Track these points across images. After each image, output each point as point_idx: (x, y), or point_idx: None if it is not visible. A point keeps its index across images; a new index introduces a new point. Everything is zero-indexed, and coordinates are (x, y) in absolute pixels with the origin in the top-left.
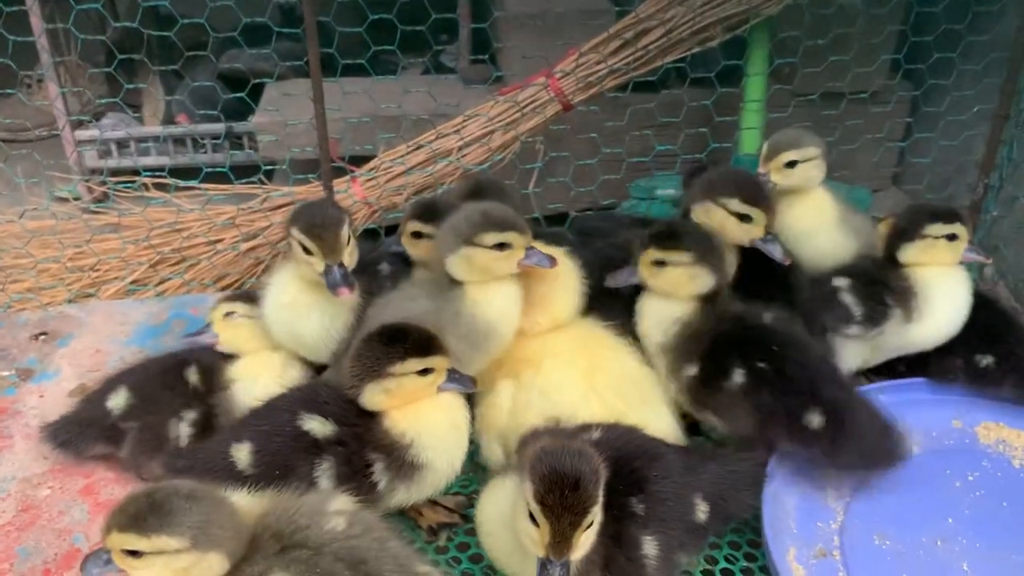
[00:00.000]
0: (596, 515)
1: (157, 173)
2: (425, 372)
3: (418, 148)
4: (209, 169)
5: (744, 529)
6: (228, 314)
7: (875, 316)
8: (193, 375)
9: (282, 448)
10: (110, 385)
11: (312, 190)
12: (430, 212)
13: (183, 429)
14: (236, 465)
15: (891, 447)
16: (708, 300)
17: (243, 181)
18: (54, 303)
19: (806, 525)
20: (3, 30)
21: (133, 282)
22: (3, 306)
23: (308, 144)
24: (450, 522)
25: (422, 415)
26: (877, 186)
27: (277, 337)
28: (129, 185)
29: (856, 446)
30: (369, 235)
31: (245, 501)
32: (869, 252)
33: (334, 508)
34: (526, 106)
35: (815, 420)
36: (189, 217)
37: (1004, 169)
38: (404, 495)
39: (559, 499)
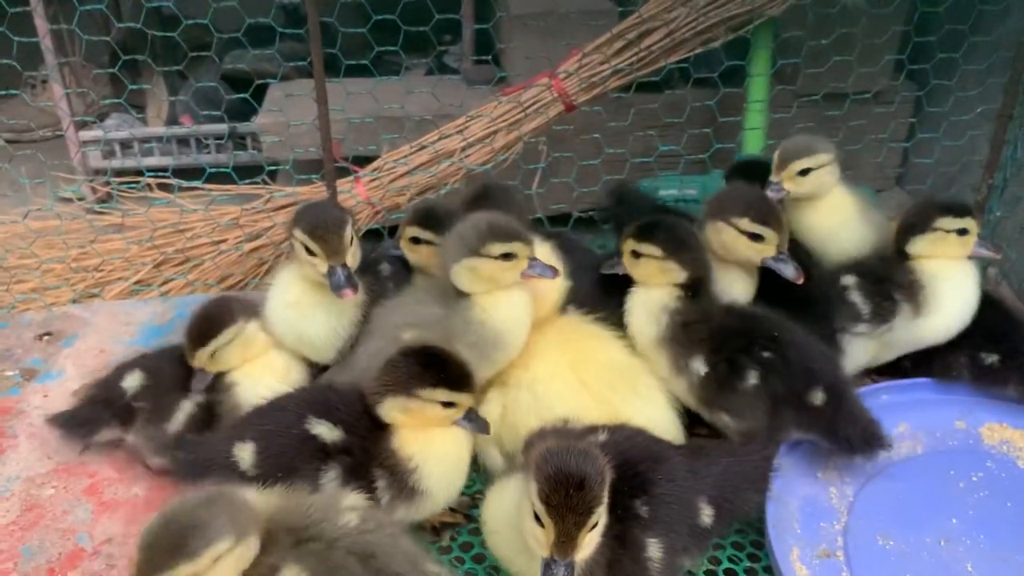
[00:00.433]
0: (601, 516)
1: (161, 174)
2: (448, 405)
3: (421, 149)
4: (213, 170)
5: (747, 529)
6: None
7: (883, 313)
8: (197, 396)
9: (286, 450)
10: (125, 367)
11: (315, 191)
12: (429, 218)
13: (186, 407)
14: (238, 465)
15: (878, 431)
16: (690, 290)
17: (247, 182)
18: (58, 303)
19: (809, 525)
20: (7, 31)
21: (137, 282)
22: (7, 306)
23: (311, 145)
24: (453, 522)
25: (432, 443)
26: (881, 186)
27: (282, 338)
28: (133, 186)
29: (852, 421)
30: (372, 235)
31: (252, 495)
32: (885, 247)
33: (347, 504)
34: (529, 107)
35: (818, 397)
36: (193, 218)
37: (1008, 169)
38: (403, 513)
39: (564, 499)
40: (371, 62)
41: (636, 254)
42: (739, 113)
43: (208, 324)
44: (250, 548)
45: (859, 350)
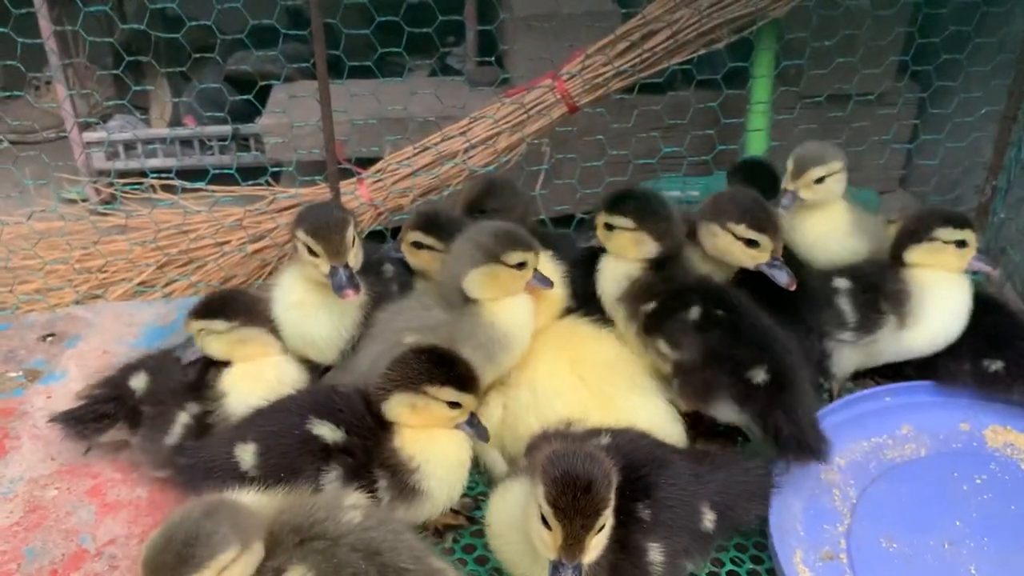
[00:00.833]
0: (608, 519)
1: (164, 175)
2: (454, 405)
3: (424, 150)
4: (216, 171)
5: (750, 531)
6: (200, 331)
7: (868, 324)
8: (193, 407)
9: (288, 450)
10: (131, 368)
11: (318, 192)
12: (432, 224)
13: (182, 419)
14: (239, 466)
15: (815, 442)
16: (658, 265)
17: (250, 183)
18: (62, 304)
19: (812, 527)
20: (11, 32)
21: (140, 283)
22: (11, 307)
23: (315, 146)
24: (456, 524)
25: (433, 444)
26: (884, 188)
27: (286, 338)
28: (136, 187)
29: (789, 419)
30: (375, 237)
31: (253, 499)
32: (879, 254)
33: (349, 503)
34: (532, 108)
35: (759, 375)
36: (196, 219)
37: (1012, 171)
38: (403, 514)
39: (571, 502)
40: (374, 63)
41: (609, 226)
42: (742, 115)
43: (212, 305)
44: (255, 555)
45: (845, 356)
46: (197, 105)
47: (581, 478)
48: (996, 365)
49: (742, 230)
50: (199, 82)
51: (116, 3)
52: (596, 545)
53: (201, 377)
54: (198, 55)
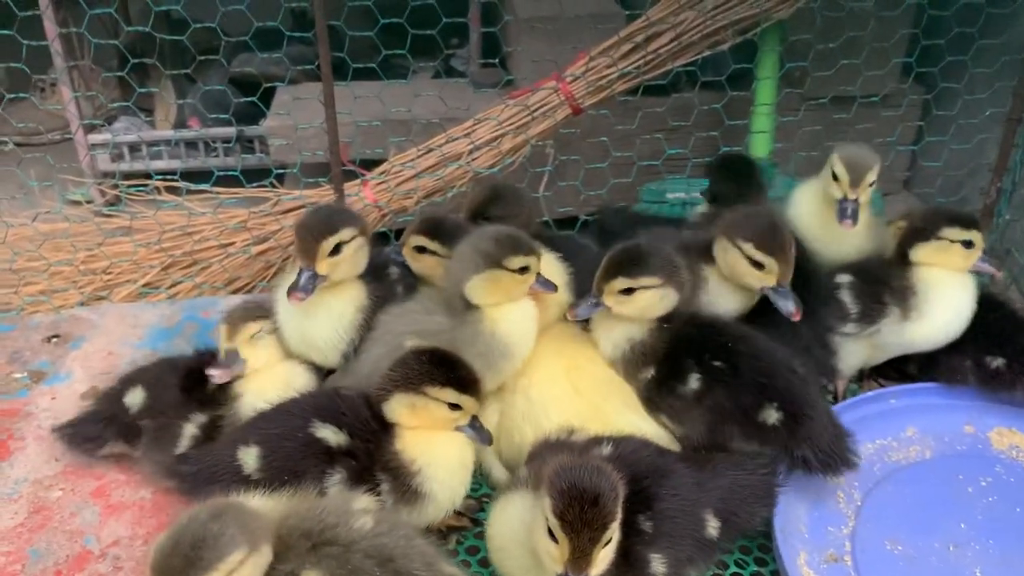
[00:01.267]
0: (615, 531)
1: (169, 176)
2: (454, 407)
3: (428, 152)
4: (220, 172)
5: (754, 534)
6: (254, 335)
7: (871, 313)
8: (199, 417)
9: (292, 453)
10: (127, 382)
11: (323, 194)
12: (436, 229)
13: (188, 431)
14: (242, 469)
15: (842, 452)
16: (666, 318)
17: (254, 184)
18: (66, 306)
19: (817, 530)
20: (17, 34)
21: (145, 285)
22: (16, 308)
23: (319, 148)
24: (460, 526)
25: (434, 447)
26: (888, 190)
27: (289, 340)
28: (141, 188)
29: (811, 444)
30: (379, 238)
31: (258, 502)
32: (883, 252)
33: (359, 507)
34: (536, 110)
35: (772, 416)
36: (200, 220)
37: (1017, 172)
38: (406, 518)
39: (579, 514)
40: (379, 65)
41: (628, 290)
42: (746, 116)
43: (261, 309)
44: (263, 557)
45: (850, 351)
46: (202, 107)
47: (588, 491)
48: (998, 362)
49: (750, 249)
50: (203, 84)
51: (121, 5)
52: (603, 559)
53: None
54: (203, 57)
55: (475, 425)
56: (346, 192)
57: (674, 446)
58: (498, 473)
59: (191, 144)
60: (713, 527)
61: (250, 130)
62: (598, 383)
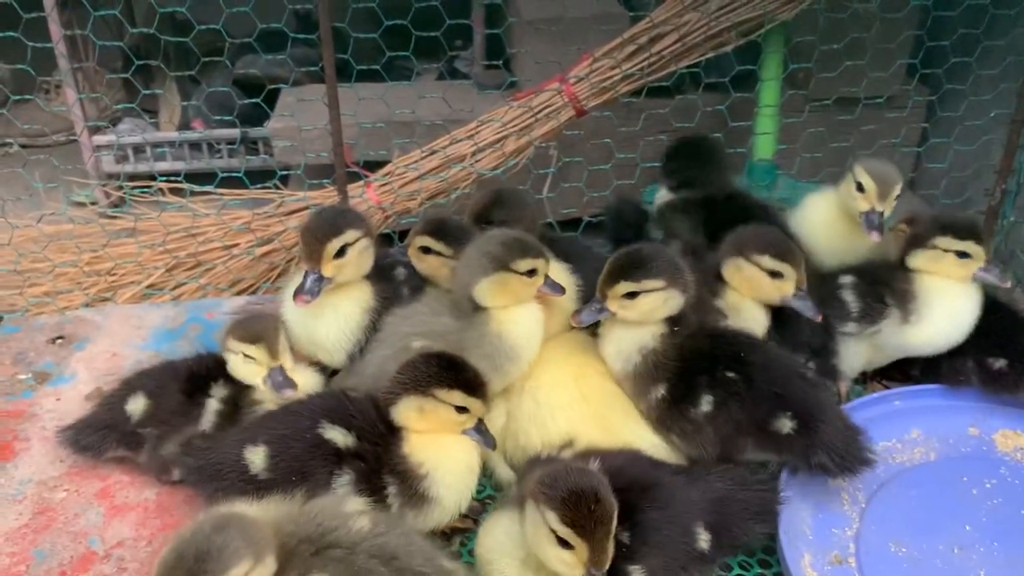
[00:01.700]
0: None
1: (173, 178)
2: (462, 410)
3: (432, 153)
4: (224, 174)
5: None
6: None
7: (872, 313)
8: (220, 390)
9: (300, 454)
10: (129, 388)
11: (326, 195)
12: (441, 230)
13: (212, 406)
14: (249, 469)
15: (858, 452)
16: (673, 321)
17: (258, 186)
18: (71, 307)
19: (821, 531)
20: (22, 36)
21: (149, 286)
22: (21, 310)
23: (323, 149)
24: (463, 527)
25: (442, 450)
26: None
27: (294, 340)
28: (145, 190)
29: (827, 448)
30: (383, 240)
31: (253, 510)
32: (887, 255)
33: (353, 509)
34: (540, 111)
35: (786, 425)
36: (205, 222)
37: (1022, 174)
38: (412, 521)
39: (588, 515)
40: (383, 67)
41: (633, 294)
42: (750, 118)
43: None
44: (268, 568)
45: (851, 351)
46: (206, 108)
47: (587, 491)
48: (1000, 363)
49: (766, 261)
50: (208, 86)
51: (125, 7)
52: (611, 547)
53: (234, 395)
54: (207, 59)
55: (480, 429)
56: (350, 194)
57: (673, 457)
58: (503, 472)
59: (195, 146)
60: (704, 540)
61: (254, 132)
62: (605, 392)
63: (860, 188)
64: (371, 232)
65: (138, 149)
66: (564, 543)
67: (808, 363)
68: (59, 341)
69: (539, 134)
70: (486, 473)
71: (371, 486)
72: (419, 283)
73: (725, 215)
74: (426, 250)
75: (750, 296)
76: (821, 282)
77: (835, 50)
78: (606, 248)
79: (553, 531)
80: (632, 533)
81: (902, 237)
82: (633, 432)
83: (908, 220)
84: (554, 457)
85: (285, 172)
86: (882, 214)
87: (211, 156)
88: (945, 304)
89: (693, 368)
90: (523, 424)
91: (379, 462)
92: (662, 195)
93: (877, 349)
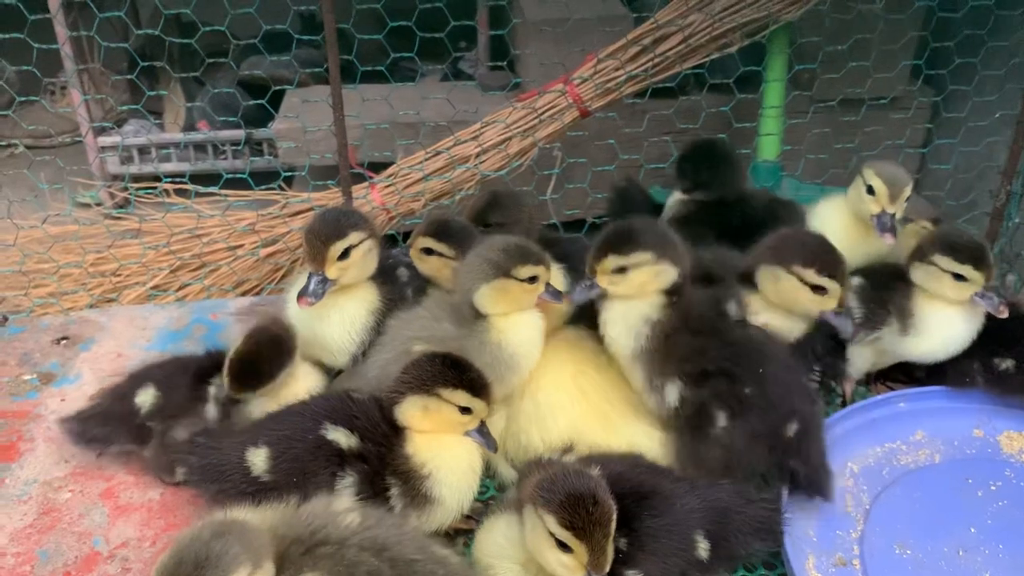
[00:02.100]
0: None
1: (178, 179)
2: (465, 411)
3: (436, 154)
4: (229, 175)
5: None
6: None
7: (873, 320)
8: (216, 383)
9: (302, 455)
10: (137, 381)
11: (331, 196)
12: (443, 231)
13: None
14: (251, 470)
15: (823, 480)
16: (672, 294)
17: (263, 187)
18: (76, 308)
19: (825, 533)
20: (27, 38)
21: (154, 287)
22: (26, 310)
23: (327, 150)
24: (467, 528)
25: (445, 451)
26: None
27: (301, 342)
28: (150, 191)
29: (803, 460)
30: (387, 241)
31: (250, 515)
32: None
33: (342, 507)
34: (544, 112)
35: (792, 429)
36: (209, 223)
37: None
38: (416, 522)
39: (586, 518)
40: (387, 68)
41: (621, 269)
42: (755, 119)
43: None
44: (267, 573)
45: (856, 353)
46: (211, 110)
47: (585, 493)
48: (1006, 364)
49: (811, 275)
50: (213, 87)
51: (131, 9)
52: (611, 549)
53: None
54: (212, 60)
55: (483, 431)
56: (354, 195)
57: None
58: (505, 472)
59: (200, 147)
60: (704, 549)
61: (259, 133)
62: (605, 389)
63: (870, 191)
64: (375, 234)
65: (143, 150)
66: (564, 546)
67: (816, 365)
68: (64, 342)
69: (543, 135)
70: (489, 474)
71: (374, 487)
72: (422, 284)
73: (743, 217)
74: (428, 251)
75: (780, 306)
76: None
77: (840, 51)
78: None
79: (552, 535)
80: (630, 539)
81: (923, 235)
82: (634, 427)
83: (934, 220)
84: (553, 461)
85: (289, 173)
86: (893, 216)
87: (216, 157)
88: (941, 325)
89: (710, 400)
90: (524, 424)
91: (382, 463)
92: (675, 198)
93: (881, 352)
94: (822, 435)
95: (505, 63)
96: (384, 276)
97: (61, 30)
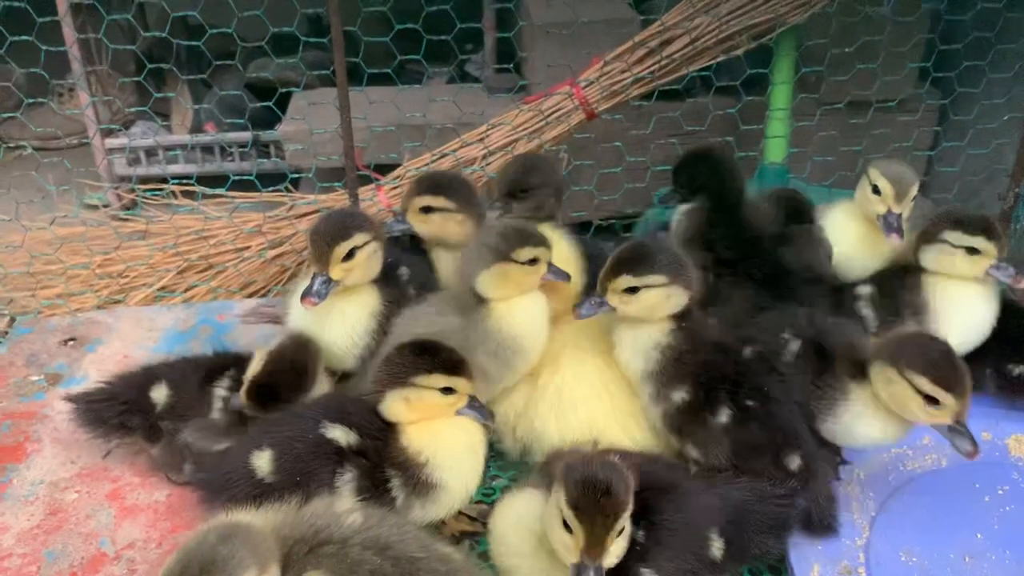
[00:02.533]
0: (627, 523)
1: (185, 181)
2: (448, 391)
3: (442, 156)
4: (236, 177)
5: None
6: None
7: (888, 327)
8: (221, 389)
9: (303, 455)
10: (151, 376)
11: (337, 198)
12: (435, 184)
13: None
14: (256, 473)
15: (830, 516)
16: (681, 317)
17: (270, 189)
18: (83, 309)
19: (831, 541)
20: (36, 40)
21: (161, 288)
22: (33, 311)
23: (334, 152)
24: (473, 531)
25: (439, 435)
26: None
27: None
28: (157, 192)
29: (815, 504)
30: (392, 242)
31: (255, 518)
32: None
33: (344, 507)
34: (550, 115)
35: (794, 462)
36: (216, 224)
37: None
38: (420, 512)
39: (592, 503)
40: (393, 71)
41: (632, 289)
42: (761, 121)
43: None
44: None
45: None
46: (218, 112)
47: (601, 481)
48: (1020, 369)
49: (925, 384)
50: (220, 89)
51: (138, 11)
52: (616, 550)
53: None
54: (219, 62)
55: (474, 405)
56: (361, 197)
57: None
58: (510, 446)
59: (207, 149)
60: (718, 548)
61: (266, 135)
62: (629, 388)
63: (876, 191)
64: (380, 236)
65: (150, 152)
66: (568, 527)
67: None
68: (71, 343)
69: (549, 138)
70: (491, 476)
71: (374, 481)
72: (424, 281)
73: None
74: (427, 209)
75: (890, 407)
76: (837, 292)
77: (847, 53)
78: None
79: (560, 511)
80: (648, 532)
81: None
82: (649, 433)
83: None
84: (575, 451)
85: (296, 175)
86: (900, 215)
87: (223, 159)
88: (959, 312)
89: (715, 389)
90: (543, 413)
91: (380, 457)
92: (680, 211)
93: None
94: (827, 477)
95: (511, 65)
96: (385, 278)
97: (69, 32)
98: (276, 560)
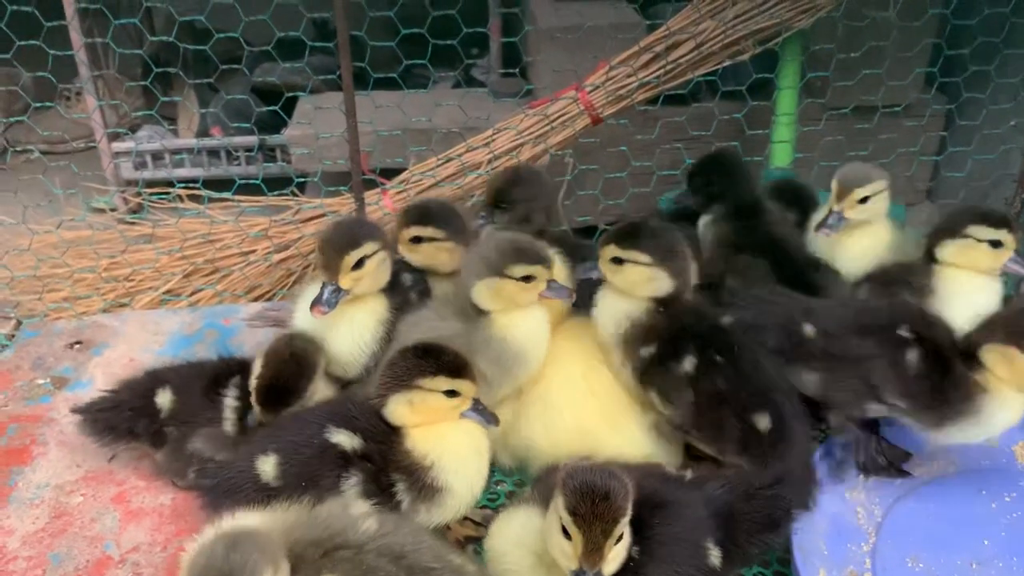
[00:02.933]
0: (626, 529)
1: (191, 185)
2: (452, 394)
3: (448, 161)
4: (242, 181)
5: (773, 550)
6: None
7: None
8: (230, 399)
9: (309, 459)
10: (156, 380)
11: (343, 202)
12: (424, 214)
13: (229, 403)
14: (261, 478)
15: (810, 494)
16: (664, 303)
17: (275, 193)
18: (89, 312)
19: (837, 547)
20: (43, 44)
21: (166, 292)
22: (39, 315)
23: (340, 157)
24: (478, 536)
25: (444, 438)
26: (911, 200)
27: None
28: (163, 196)
29: (789, 465)
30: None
31: (267, 521)
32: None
33: (360, 511)
34: (556, 119)
35: (763, 422)
36: (222, 228)
37: None
38: (426, 516)
39: (591, 508)
40: (399, 75)
41: (618, 260)
42: (767, 126)
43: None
44: (285, 573)
45: None
46: (224, 116)
47: (599, 487)
48: None
49: None
50: (226, 93)
51: (145, 16)
52: (615, 556)
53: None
54: (225, 67)
55: (478, 408)
56: (366, 201)
57: (667, 455)
58: (505, 460)
59: (213, 153)
60: (716, 556)
61: (272, 139)
62: (615, 389)
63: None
64: (388, 245)
65: (157, 156)
66: (567, 533)
67: None
68: (77, 346)
69: (555, 142)
70: (496, 479)
71: (379, 485)
72: (426, 286)
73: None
74: (417, 240)
75: (1013, 386)
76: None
77: (853, 58)
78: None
79: (559, 517)
80: (642, 548)
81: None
82: (641, 429)
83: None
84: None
85: (302, 179)
86: (839, 214)
87: (229, 163)
88: (966, 304)
89: (682, 340)
90: (530, 419)
91: (385, 461)
92: (705, 220)
93: None
94: (805, 445)
95: (517, 70)
96: (389, 284)
97: (76, 37)
98: (283, 557)
